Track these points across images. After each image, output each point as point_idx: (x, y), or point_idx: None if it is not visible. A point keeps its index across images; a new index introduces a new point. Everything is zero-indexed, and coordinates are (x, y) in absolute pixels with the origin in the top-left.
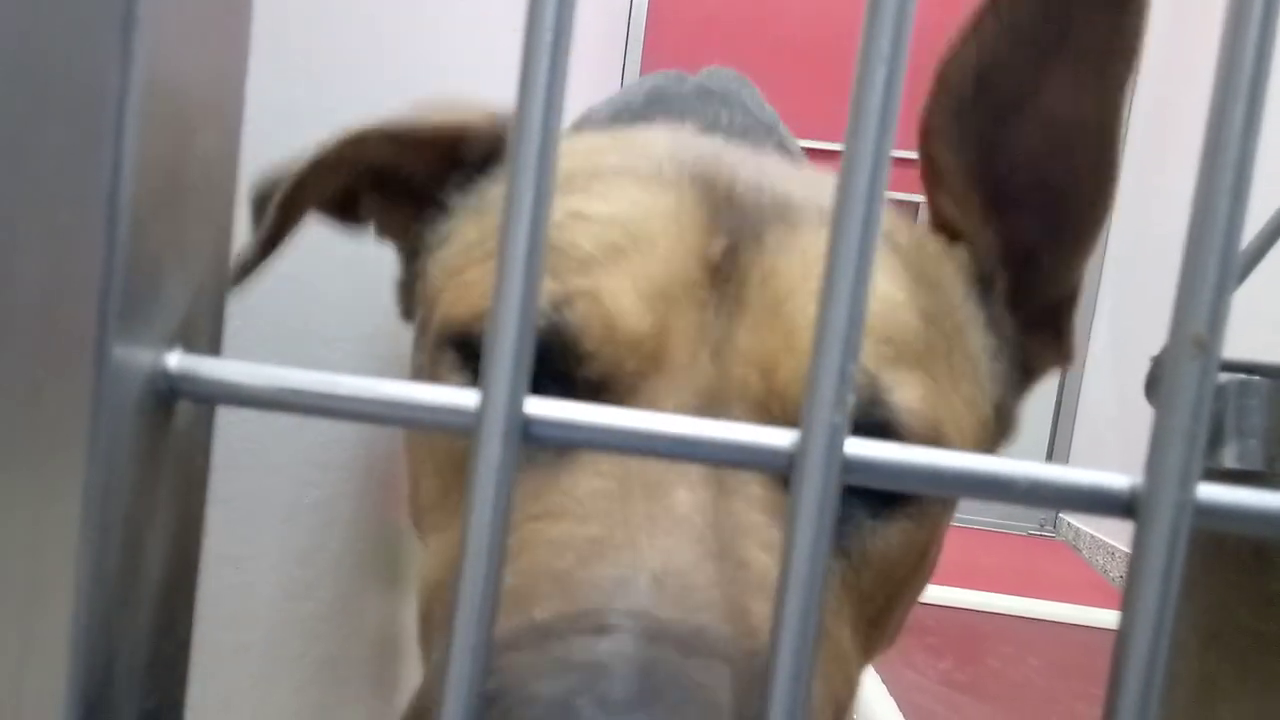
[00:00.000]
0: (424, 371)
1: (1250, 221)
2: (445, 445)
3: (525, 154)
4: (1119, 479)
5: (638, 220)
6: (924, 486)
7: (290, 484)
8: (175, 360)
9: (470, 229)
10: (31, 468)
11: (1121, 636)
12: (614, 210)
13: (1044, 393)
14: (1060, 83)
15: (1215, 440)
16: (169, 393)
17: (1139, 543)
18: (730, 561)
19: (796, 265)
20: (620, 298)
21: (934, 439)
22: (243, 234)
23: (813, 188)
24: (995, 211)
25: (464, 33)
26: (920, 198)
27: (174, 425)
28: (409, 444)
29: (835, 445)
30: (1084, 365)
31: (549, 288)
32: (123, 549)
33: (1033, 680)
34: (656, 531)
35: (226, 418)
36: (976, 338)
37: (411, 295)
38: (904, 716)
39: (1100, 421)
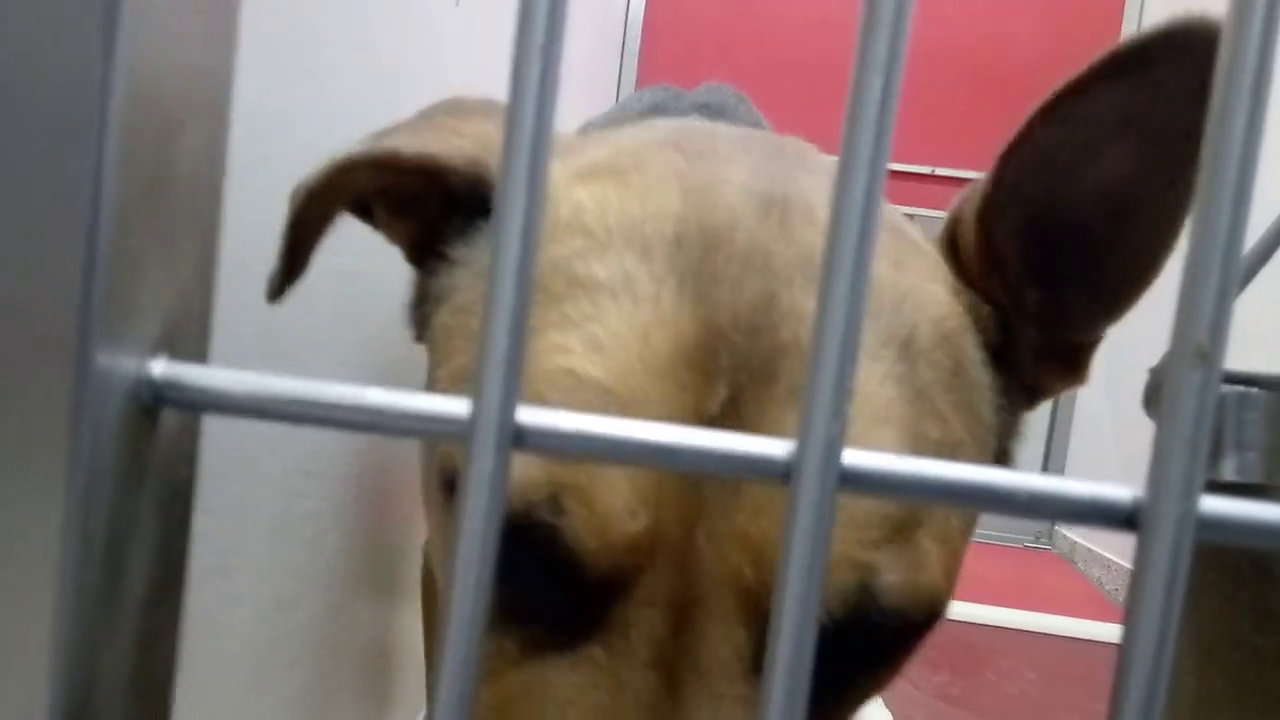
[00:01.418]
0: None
1: (1249, 227)
2: None
3: (517, 157)
4: (1120, 491)
5: (632, 385)
6: (923, 498)
7: (280, 494)
8: (160, 367)
9: (470, 292)
10: (10, 478)
11: (1124, 651)
12: (608, 376)
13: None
14: (1122, 157)
15: (1214, 453)
16: (153, 401)
17: (1141, 556)
18: None
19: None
20: (614, 497)
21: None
22: (231, 235)
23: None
24: (1038, 279)
25: (457, 35)
26: (917, 210)
27: (158, 434)
28: (435, 504)
29: (832, 455)
30: None
31: (536, 475)
32: (104, 562)
33: (1028, 693)
34: None
35: (215, 427)
36: (989, 400)
37: (422, 320)
38: None
39: (1096, 432)
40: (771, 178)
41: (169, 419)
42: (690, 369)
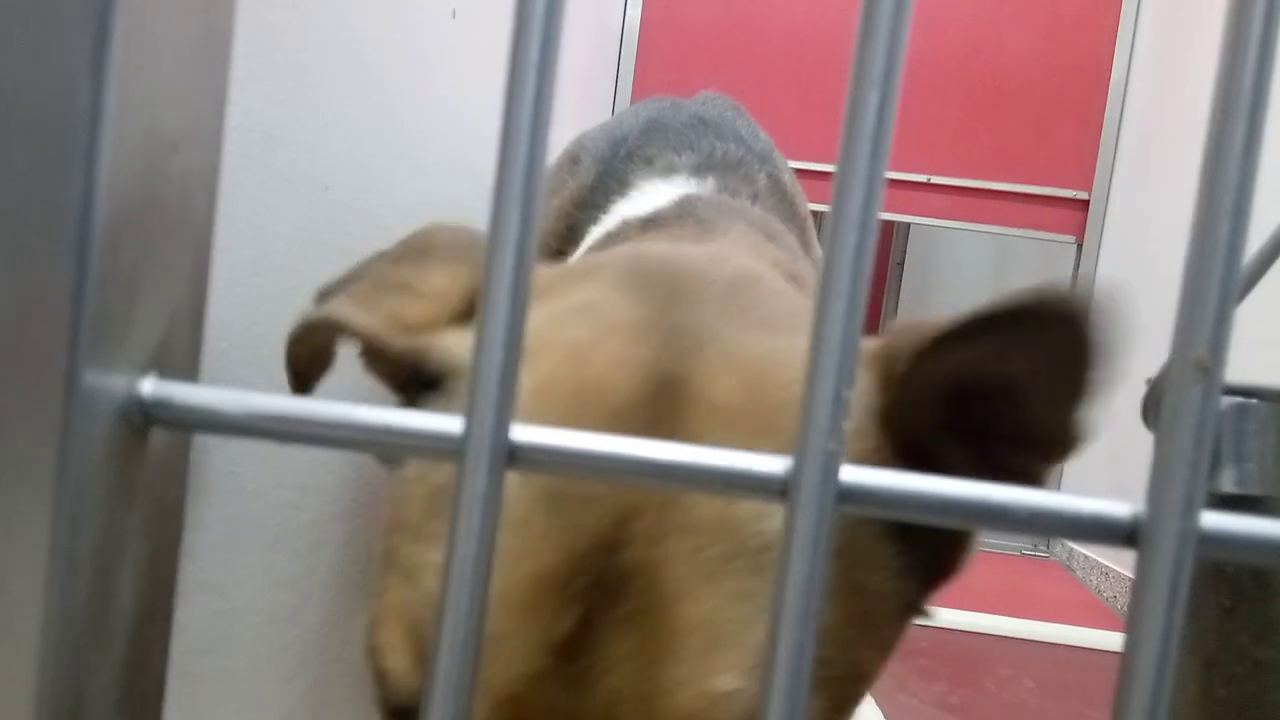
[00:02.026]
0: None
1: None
2: None
3: (512, 173)
4: (1120, 507)
5: (492, 620)
6: (921, 514)
7: (275, 507)
8: (149, 386)
9: (403, 485)
10: None
11: (1125, 667)
12: None
13: None
14: (1022, 356)
15: (1213, 465)
16: (142, 420)
17: (1141, 572)
18: None
19: (636, 664)
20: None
21: None
22: (223, 251)
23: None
24: (959, 438)
25: (451, 49)
26: (914, 218)
27: (147, 453)
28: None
29: (831, 471)
30: None
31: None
32: (92, 583)
33: (1027, 701)
34: None
35: (208, 440)
36: (885, 568)
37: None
38: None
39: (1092, 445)
40: (680, 350)
41: (159, 438)
42: (547, 596)
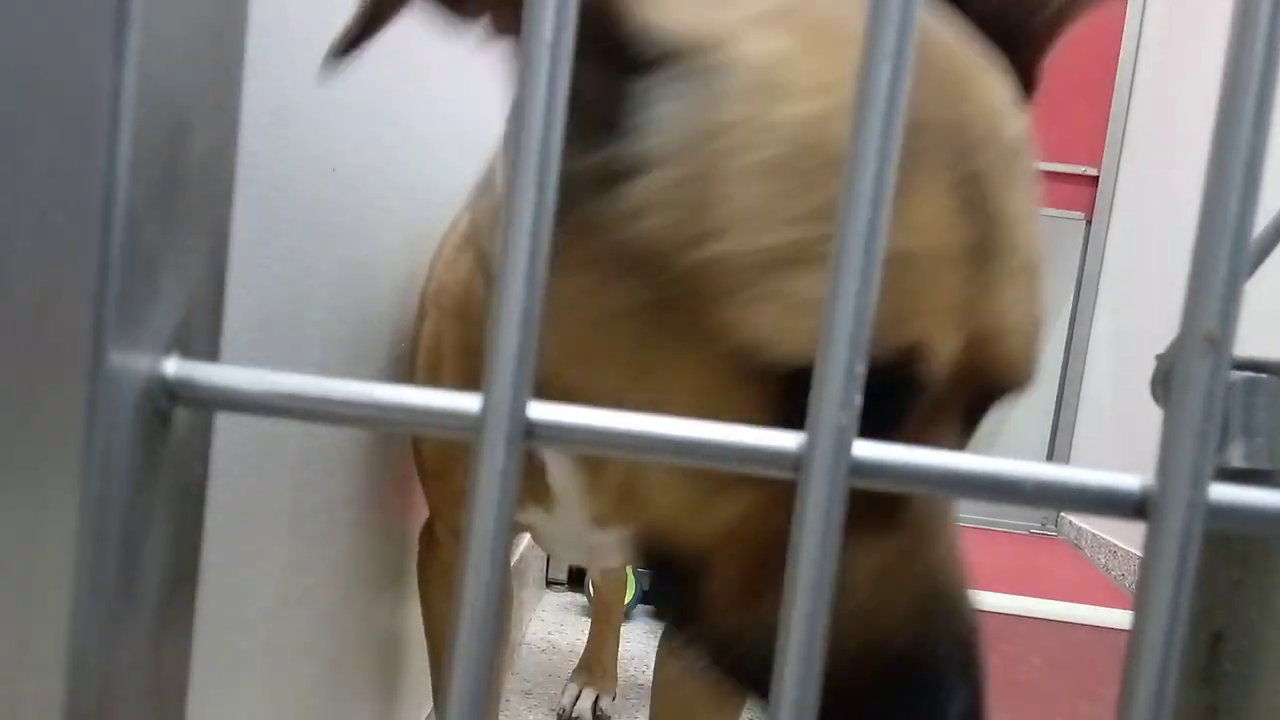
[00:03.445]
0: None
1: (1258, 213)
2: None
3: (528, 149)
4: (1129, 479)
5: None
6: (931, 488)
7: (289, 489)
8: (172, 366)
9: (661, 179)
10: (25, 477)
11: (1134, 639)
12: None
13: (1044, 392)
14: None
15: (1222, 439)
16: (166, 399)
17: (1150, 544)
18: None
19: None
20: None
21: None
22: (240, 235)
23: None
24: None
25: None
26: None
27: (171, 432)
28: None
29: (843, 446)
30: (1084, 363)
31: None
32: (119, 559)
33: (1035, 679)
34: None
35: (224, 423)
36: None
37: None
38: None
39: (1100, 420)
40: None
41: (182, 417)
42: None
